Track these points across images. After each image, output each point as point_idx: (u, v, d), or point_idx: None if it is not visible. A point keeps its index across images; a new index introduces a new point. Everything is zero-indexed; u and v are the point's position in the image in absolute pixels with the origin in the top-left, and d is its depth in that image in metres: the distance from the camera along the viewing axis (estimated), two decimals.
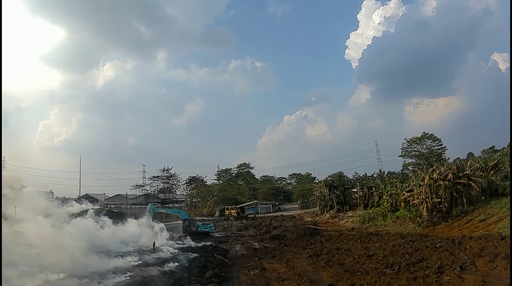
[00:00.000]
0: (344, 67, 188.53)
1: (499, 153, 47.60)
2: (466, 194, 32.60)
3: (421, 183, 34.89)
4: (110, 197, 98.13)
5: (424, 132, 78.42)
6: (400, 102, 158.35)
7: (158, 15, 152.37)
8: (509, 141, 48.58)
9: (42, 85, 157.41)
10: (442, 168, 34.64)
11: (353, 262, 19.22)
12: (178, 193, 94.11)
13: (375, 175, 51.64)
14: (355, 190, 48.89)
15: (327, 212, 49.24)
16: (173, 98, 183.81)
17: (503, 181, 34.78)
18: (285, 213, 59.10)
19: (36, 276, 15.82)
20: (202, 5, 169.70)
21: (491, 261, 16.27)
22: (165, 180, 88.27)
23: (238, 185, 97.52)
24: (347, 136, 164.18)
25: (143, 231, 32.25)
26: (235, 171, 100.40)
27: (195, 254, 25.43)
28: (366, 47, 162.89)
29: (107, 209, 57.72)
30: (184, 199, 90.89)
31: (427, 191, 33.72)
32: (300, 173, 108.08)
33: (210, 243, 31.62)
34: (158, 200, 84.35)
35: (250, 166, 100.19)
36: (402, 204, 39.04)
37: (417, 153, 77.63)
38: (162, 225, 35.92)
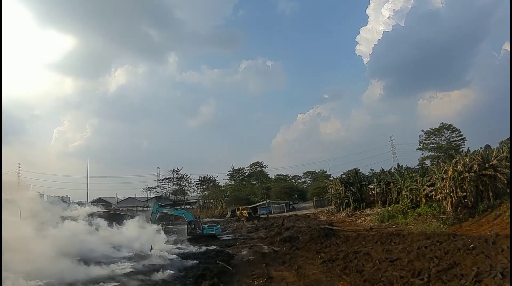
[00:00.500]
0: (355, 63, 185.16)
1: None
2: (492, 187, 29.76)
3: (444, 176, 32.16)
4: (122, 200, 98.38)
5: (442, 123, 74.61)
6: (414, 97, 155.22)
7: (167, 18, 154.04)
8: None
9: (56, 92, 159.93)
10: (466, 159, 31.78)
11: (373, 269, 16.68)
12: (192, 194, 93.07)
13: (392, 170, 48.75)
14: (372, 186, 46.47)
15: (343, 210, 46.73)
16: (186, 100, 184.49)
17: None
18: (299, 213, 56.62)
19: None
20: (211, 7, 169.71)
21: None
22: (176, 182, 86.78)
23: (251, 184, 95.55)
24: (361, 132, 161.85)
25: (141, 234, 30.22)
26: (248, 171, 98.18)
27: (195, 261, 23.22)
28: (377, 42, 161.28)
29: (113, 212, 56.68)
30: (196, 200, 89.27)
31: (451, 184, 30.96)
32: (314, 171, 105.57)
33: (214, 247, 29.34)
34: (169, 202, 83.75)
35: (263, 165, 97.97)
36: (423, 199, 36.49)
37: (435, 145, 73.99)
38: (159, 226, 34.23)
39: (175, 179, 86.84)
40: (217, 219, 62.27)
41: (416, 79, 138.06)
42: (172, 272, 19.44)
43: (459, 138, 72.48)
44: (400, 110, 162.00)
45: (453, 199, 30.48)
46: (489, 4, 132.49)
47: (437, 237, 22.99)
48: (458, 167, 31.13)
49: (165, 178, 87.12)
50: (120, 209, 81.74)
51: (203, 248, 28.67)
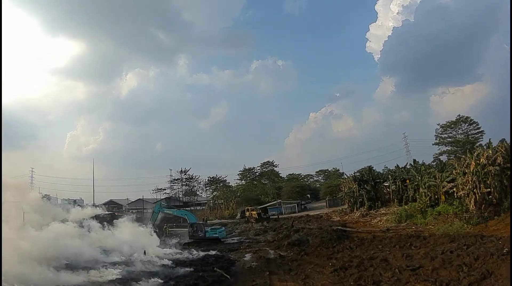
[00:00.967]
0: (366, 60, 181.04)
1: None
2: None
3: (466, 171, 29.56)
4: (132, 202, 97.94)
5: (459, 115, 71.15)
6: (426, 92, 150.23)
7: (175, 21, 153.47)
8: None
9: (68, 97, 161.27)
10: (489, 151, 29.13)
11: (393, 280, 14.43)
12: (204, 195, 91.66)
13: (408, 166, 46.08)
14: (387, 184, 43.82)
15: (357, 209, 44.19)
16: (197, 102, 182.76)
17: None
18: (311, 213, 54.17)
19: None
20: (219, 8, 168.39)
21: None
22: (185, 182, 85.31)
23: (263, 184, 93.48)
24: (374, 130, 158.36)
25: (136, 237, 28.33)
26: (259, 170, 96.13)
27: (189, 268, 21.07)
28: (387, 38, 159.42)
29: (117, 214, 55.38)
30: (206, 201, 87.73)
31: (474, 179, 28.38)
32: (327, 169, 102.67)
33: (215, 252, 27.28)
34: (179, 203, 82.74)
35: (274, 164, 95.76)
36: (443, 197, 33.95)
37: (452, 139, 70.64)
38: (150, 229, 32.59)
39: (184, 180, 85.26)
40: (225, 220, 60.29)
41: (427, 75, 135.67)
42: (159, 281, 17.40)
43: (476, 131, 69.13)
44: (413, 107, 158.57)
45: (477, 195, 27.95)
46: None
47: (463, 239, 20.57)
48: (481, 160, 28.61)
49: (174, 179, 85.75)
50: (130, 211, 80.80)
51: (202, 253, 26.63)
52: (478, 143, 63.15)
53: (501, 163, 27.48)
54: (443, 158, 66.19)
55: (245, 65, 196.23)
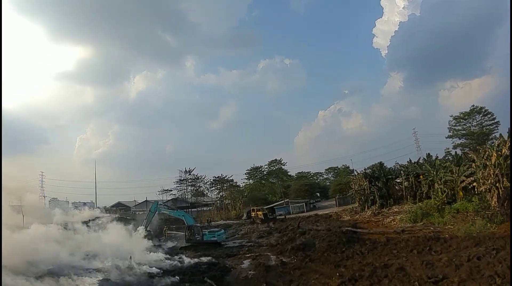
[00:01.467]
0: (373, 56, 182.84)
1: None
2: None
3: (486, 163, 27.03)
4: (138, 204, 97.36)
5: (473, 105, 67.78)
6: (434, 87, 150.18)
7: (181, 23, 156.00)
8: None
9: (77, 102, 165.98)
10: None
11: None
12: (211, 196, 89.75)
13: (421, 161, 43.39)
14: (399, 180, 41.56)
15: (368, 208, 41.53)
16: (206, 103, 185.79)
17: None
18: (320, 212, 51.69)
19: None
20: (225, 9, 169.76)
21: None
22: (191, 183, 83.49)
23: (271, 183, 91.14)
24: (383, 126, 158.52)
25: (126, 241, 26.32)
26: (266, 169, 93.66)
27: (175, 278, 18.93)
28: (393, 34, 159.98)
29: (118, 217, 54.19)
30: (213, 202, 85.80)
31: (496, 172, 25.86)
32: (337, 167, 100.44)
33: (209, 258, 25.04)
34: (186, 204, 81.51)
35: (282, 162, 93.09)
36: (461, 193, 31.57)
37: (466, 131, 67.31)
38: (143, 231, 31.22)
39: (190, 180, 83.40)
40: (231, 221, 58.21)
41: (435, 69, 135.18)
42: None
43: (491, 122, 65.67)
44: (422, 102, 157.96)
45: (500, 190, 25.44)
46: None
47: (490, 242, 17.96)
48: (503, 151, 26.12)
49: (180, 180, 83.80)
50: (136, 212, 79.68)
51: (195, 260, 24.43)
52: (493, 135, 60.31)
53: None
54: (457, 152, 63.24)
55: (252, 64, 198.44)
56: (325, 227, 33.03)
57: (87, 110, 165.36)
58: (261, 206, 56.48)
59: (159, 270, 21.10)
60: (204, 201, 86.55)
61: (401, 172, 42.22)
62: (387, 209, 38.52)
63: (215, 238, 31.90)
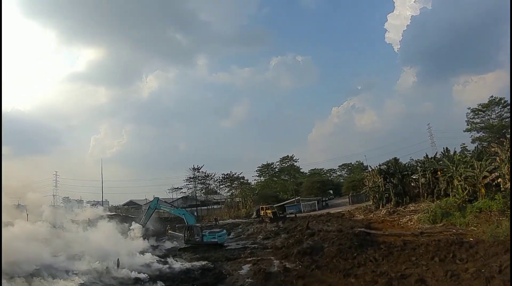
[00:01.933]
0: (386, 51, 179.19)
1: None
2: None
3: None
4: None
5: (491, 96, 64.14)
6: (448, 82, 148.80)
7: (192, 22, 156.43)
8: None
9: (90, 102, 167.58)
10: None
11: None
12: (222, 194, 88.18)
13: (438, 156, 40.61)
14: (415, 176, 39.14)
15: (382, 206, 39.21)
16: (218, 101, 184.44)
17: None
18: (332, 210, 49.40)
19: None
20: (235, 7, 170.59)
21: None
22: (201, 181, 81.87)
23: (283, 181, 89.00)
24: (397, 122, 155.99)
25: (117, 240, 24.58)
26: (278, 166, 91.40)
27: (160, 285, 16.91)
28: (405, 28, 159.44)
29: (123, 215, 53.13)
30: (224, 200, 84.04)
31: None
32: (350, 163, 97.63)
33: (204, 263, 22.99)
34: (196, 202, 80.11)
35: (294, 159, 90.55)
36: (483, 190, 28.99)
37: (485, 124, 63.77)
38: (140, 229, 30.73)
39: (199, 178, 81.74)
40: (240, 220, 56.45)
41: (449, 63, 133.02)
42: None
43: None
44: (436, 97, 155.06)
45: None
46: None
47: None
48: None
49: (189, 178, 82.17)
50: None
51: (189, 264, 22.40)
52: None
53: None
54: (477, 146, 60.02)
55: (264, 62, 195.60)
56: (336, 228, 30.69)
57: (101, 110, 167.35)
58: (272, 204, 54.73)
59: (145, 276, 19.30)
60: (214, 199, 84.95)
61: (418, 167, 39.84)
62: (403, 207, 36.20)
63: (216, 240, 30.02)
